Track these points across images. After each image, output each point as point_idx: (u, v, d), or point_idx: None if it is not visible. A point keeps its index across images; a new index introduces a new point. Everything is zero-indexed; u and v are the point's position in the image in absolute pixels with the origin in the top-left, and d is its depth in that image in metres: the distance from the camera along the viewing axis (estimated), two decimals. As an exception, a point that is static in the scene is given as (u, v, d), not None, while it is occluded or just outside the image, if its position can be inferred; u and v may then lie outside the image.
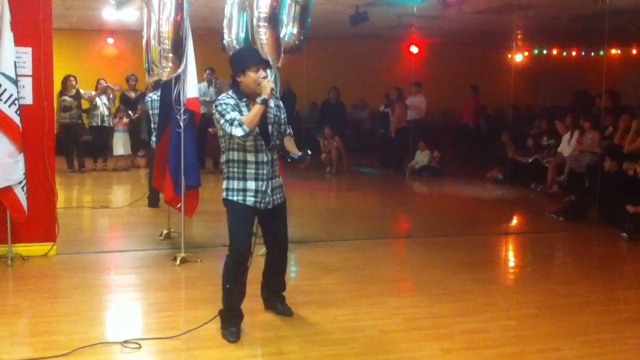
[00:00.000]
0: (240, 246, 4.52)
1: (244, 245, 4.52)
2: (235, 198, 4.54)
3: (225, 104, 4.48)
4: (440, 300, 5.44)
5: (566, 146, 11.20)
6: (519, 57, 16.82)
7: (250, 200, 4.54)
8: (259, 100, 4.40)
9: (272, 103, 4.61)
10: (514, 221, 9.69)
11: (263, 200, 4.58)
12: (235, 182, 4.56)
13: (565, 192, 10.44)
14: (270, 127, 4.59)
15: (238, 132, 4.35)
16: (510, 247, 7.98)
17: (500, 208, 10.69)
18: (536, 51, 17.97)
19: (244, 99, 4.52)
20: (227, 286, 4.54)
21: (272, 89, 4.45)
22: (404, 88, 14.49)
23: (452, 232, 8.26)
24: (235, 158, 4.54)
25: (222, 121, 4.43)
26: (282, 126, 4.78)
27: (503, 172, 12.63)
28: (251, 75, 4.48)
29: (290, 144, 4.81)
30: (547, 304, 5.49)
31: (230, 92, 4.58)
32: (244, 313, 4.67)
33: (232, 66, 4.63)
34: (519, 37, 15.31)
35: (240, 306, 4.64)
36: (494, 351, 4.43)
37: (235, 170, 4.55)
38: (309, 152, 4.71)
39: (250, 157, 4.52)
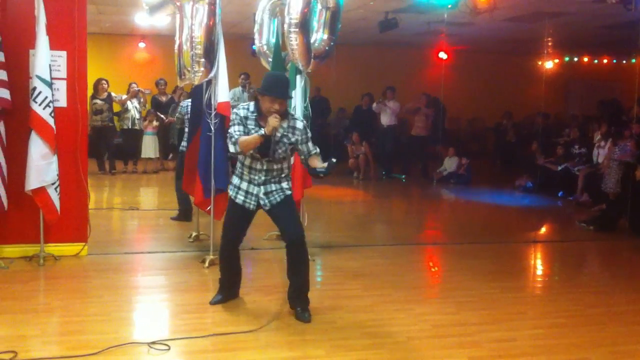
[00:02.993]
0: (227, 235, 5.13)
1: (229, 235, 5.12)
2: (231, 193, 5.05)
3: (236, 114, 4.88)
4: (467, 308, 5.42)
5: (599, 154, 11.08)
6: (549, 65, 16.70)
7: (239, 198, 4.97)
8: (259, 132, 4.70)
9: (285, 124, 4.84)
10: (543, 229, 9.61)
11: (252, 202, 4.94)
12: (236, 179, 5.02)
13: (596, 201, 10.33)
14: (272, 145, 4.81)
15: (230, 148, 4.85)
16: (539, 255, 7.91)
17: (529, 216, 10.62)
18: (567, 59, 17.82)
19: (255, 113, 4.84)
20: (220, 265, 5.33)
21: (274, 128, 4.67)
22: (433, 94, 14.45)
23: (480, 240, 8.22)
24: (240, 159, 4.98)
25: (229, 131, 4.87)
26: (302, 146, 4.91)
27: (532, 180, 12.55)
28: (266, 102, 4.76)
29: (315, 161, 4.90)
30: (576, 313, 5.44)
31: (251, 103, 4.93)
32: (237, 295, 5.37)
33: (262, 82, 4.89)
34: (549, 44, 15.21)
35: (230, 286, 5.32)
36: (521, 360, 4.42)
37: (238, 169, 5.01)
38: (334, 160, 4.78)
39: (247, 162, 4.92)
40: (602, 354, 4.57)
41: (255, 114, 4.85)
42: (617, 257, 7.89)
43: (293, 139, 4.87)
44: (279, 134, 4.81)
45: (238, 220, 5.06)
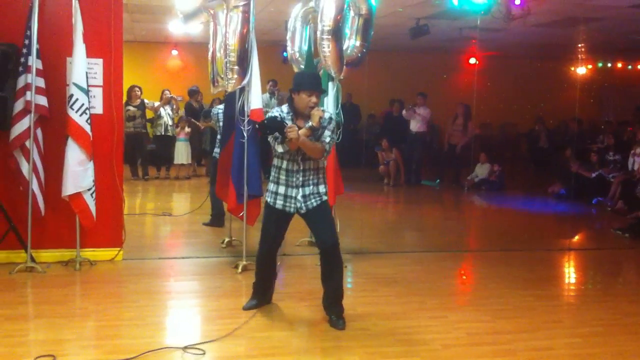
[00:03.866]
0: (264, 242, 5.14)
1: (267, 242, 5.14)
2: (268, 199, 5.04)
3: (277, 116, 4.88)
4: (502, 316, 5.36)
5: (635, 162, 10.92)
6: (582, 71, 16.51)
7: (279, 203, 4.99)
8: (307, 125, 4.75)
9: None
10: (577, 237, 9.48)
11: (292, 205, 4.96)
12: (272, 185, 5.04)
13: (631, 208, 10.18)
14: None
15: (279, 148, 4.83)
16: (573, 263, 7.80)
17: (563, 223, 10.50)
18: (600, 64, 17.59)
19: (291, 113, 4.91)
20: (256, 270, 5.34)
21: (320, 118, 4.77)
22: (465, 101, 14.35)
23: (513, 247, 8.13)
24: (276, 164, 5.01)
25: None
26: (321, 137, 4.87)
27: (565, 187, 12.40)
28: (303, 97, 4.85)
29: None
30: (613, 322, 5.35)
31: (284, 106, 4.98)
32: (270, 301, 5.39)
33: (293, 82, 4.98)
34: (583, 50, 15.04)
35: (264, 291, 5.36)
36: (559, 369, 4.36)
37: (274, 174, 5.02)
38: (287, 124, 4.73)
39: (284, 165, 4.95)
40: (641, 364, 4.50)
41: (290, 114, 4.90)
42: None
43: (322, 132, 4.88)
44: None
45: (277, 225, 5.07)
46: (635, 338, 4.98)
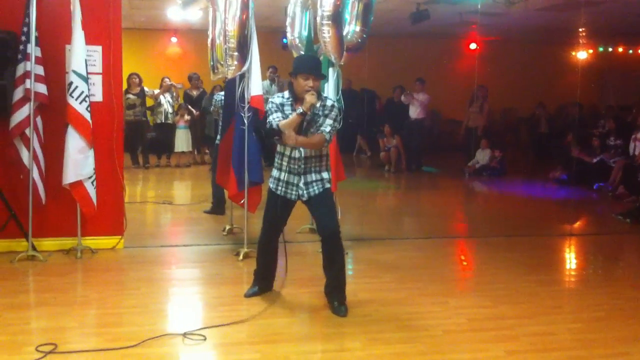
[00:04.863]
0: (267, 227, 5.14)
1: (269, 228, 5.14)
2: (271, 185, 5.07)
3: (272, 102, 4.91)
4: (503, 301, 5.36)
5: (636, 147, 10.89)
6: (582, 55, 16.44)
7: (281, 190, 5.00)
8: (297, 111, 4.72)
9: (318, 104, 4.83)
10: (578, 222, 9.47)
11: (293, 192, 4.97)
12: (275, 171, 5.05)
13: (632, 193, 10.16)
14: (305, 124, 4.83)
15: (271, 126, 4.84)
16: (575, 248, 7.80)
17: (564, 209, 10.48)
18: (601, 49, 17.52)
19: (290, 99, 4.89)
20: (257, 257, 5.34)
21: (312, 104, 4.72)
22: (465, 86, 14.30)
23: (514, 233, 8.13)
24: (278, 150, 5.01)
25: (267, 119, 4.87)
26: (320, 118, 4.86)
27: (566, 172, 12.38)
28: (300, 81, 4.82)
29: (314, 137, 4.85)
30: (615, 307, 5.35)
31: (285, 92, 4.98)
32: (271, 289, 5.39)
33: (292, 66, 4.95)
34: (583, 34, 14.97)
35: (266, 278, 5.35)
36: (560, 354, 4.35)
37: (277, 161, 5.04)
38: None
39: (286, 152, 4.95)
40: (643, 349, 4.50)
41: (290, 100, 4.88)
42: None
43: (322, 119, 4.86)
44: (311, 115, 4.81)
45: (279, 211, 5.06)
46: (635, 323, 4.98)
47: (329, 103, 4.91)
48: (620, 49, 17.90)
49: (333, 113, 4.88)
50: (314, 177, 4.96)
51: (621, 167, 11.04)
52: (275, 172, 5.05)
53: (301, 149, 4.87)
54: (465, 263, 7.15)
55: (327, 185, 5.00)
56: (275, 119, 4.81)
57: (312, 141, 4.80)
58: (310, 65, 4.86)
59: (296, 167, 4.92)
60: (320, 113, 4.86)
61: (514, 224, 8.86)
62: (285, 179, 4.97)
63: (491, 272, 6.35)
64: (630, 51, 18.03)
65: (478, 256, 7.24)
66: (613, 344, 4.56)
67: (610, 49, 17.82)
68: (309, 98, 4.70)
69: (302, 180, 4.94)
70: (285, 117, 4.80)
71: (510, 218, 9.43)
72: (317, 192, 4.95)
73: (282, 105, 4.85)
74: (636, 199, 9.71)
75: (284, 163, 4.96)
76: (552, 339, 4.60)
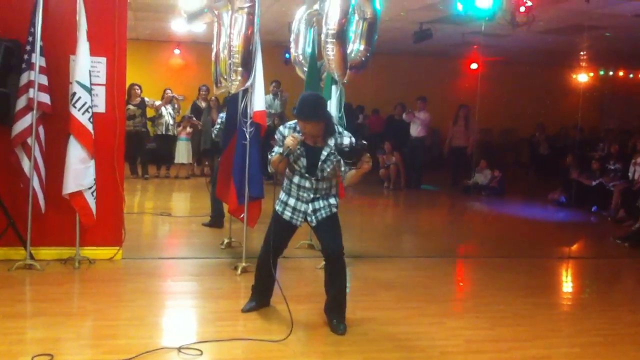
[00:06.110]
0: (268, 247, 5.05)
1: (269, 249, 5.03)
2: (277, 208, 5.05)
3: (280, 133, 4.90)
4: (501, 324, 5.35)
5: (636, 171, 10.92)
6: (583, 78, 16.51)
7: (287, 214, 4.99)
8: (279, 152, 4.79)
9: (332, 143, 4.81)
10: (577, 245, 9.46)
11: (299, 218, 4.97)
12: (283, 194, 5.04)
13: (631, 217, 10.17)
14: (320, 163, 4.80)
15: (268, 167, 5.00)
16: (573, 271, 7.78)
17: (563, 231, 10.48)
18: (602, 72, 17.60)
19: (300, 132, 4.81)
20: (255, 273, 5.35)
21: (288, 148, 4.67)
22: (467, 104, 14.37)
23: (513, 254, 8.12)
24: (288, 175, 4.96)
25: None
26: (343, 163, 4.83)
27: (566, 194, 12.40)
28: (299, 124, 4.80)
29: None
30: (612, 332, 5.34)
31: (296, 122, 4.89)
32: (268, 304, 5.38)
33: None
34: (585, 57, 15.04)
35: (263, 294, 5.35)
36: (557, 378, 4.35)
37: (285, 184, 5.01)
38: (364, 143, 4.72)
39: (295, 180, 4.92)
40: (640, 375, 4.49)
41: (300, 133, 4.81)
42: (654, 275, 7.75)
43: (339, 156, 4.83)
44: (325, 153, 4.79)
45: (282, 234, 5.04)
46: (635, 349, 4.97)
47: (345, 141, 4.81)
48: (621, 73, 17.99)
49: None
50: (322, 203, 4.94)
51: (620, 191, 11.05)
52: (283, 196, 5.03)
53: (313, 180, 4.85)
54: (462, 284, 7.14)
55: (334, 210, 4.99)
56: (272, 152, 4.88)
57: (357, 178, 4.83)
58: (308, 112, 4.72)
59: (305, 195, 4.91)
60: (336, 151, 4.80)
61: (512, 245, 8.85)
62: (292, 205, 4.96)
63: (489, 293, 6.33)
64: (631, 75, 18.11)
65: (476, 277, 7.23)
66: (611, 369, 4.55)
67: (611, 73, 17.90)
68: (287, 142, 4.69)
69: (310, 208, 4.92)
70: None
71: (509, 239, 9.42)
72: (324, 215, 4.94)
73: (293, 131, 4.82)
74: (635, 223, 9.70)
75: (293, 189, 4.95)
76: (550, 363, 4.59)
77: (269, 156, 4.94)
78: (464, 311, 5.89)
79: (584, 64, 15.68)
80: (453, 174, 14.38)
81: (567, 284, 7.31)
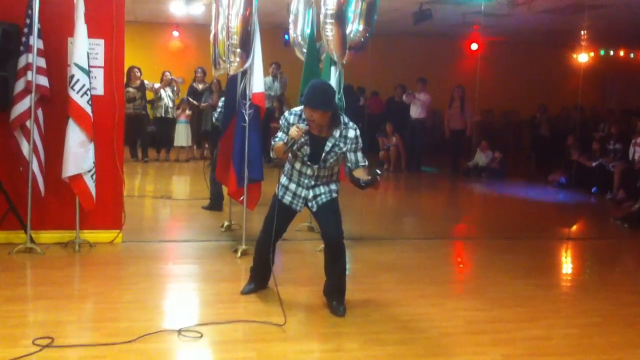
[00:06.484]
0: (268, 230, 5.04)
1: (270, 231, 5.00)
2: (277, 192, 5.05)
3: (285, 119, 4.87)
4: (501, 305, 5.36)
5: (636, 152, 10.89)
6: (584, 58, 16.42)
7: (287, 199, 4.99)
8: (284, 140, 4.77)
9: (337, 134, 4.77)
10: (577, 226, 9.47)
11: (300, 203, 4.97)
12: (284, 178, 5.03)
13: (632, 199, 10.16)
14: (324, 154, 4.78)
15: (271, 153, 5.04)
16: (573, 252, 7.79)
17: (563, 212, 10.49)
18: (602, 52, 17.51)
19: (302, 122, 4.77)
20: (254, 256, 5.33)
21: (292, 139, 4.65)
22: (468, 87, 14.31)
23: (513, 235, 8.13)
24: (290, 160, 4.94)
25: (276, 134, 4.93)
26: (350, 155, 4.80)
27: (566, 175, 12.40)
28: (306, 111, 4.73)
29: (360, 172, 4.81)
30: (612, 312, 5.35)
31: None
32: (267, 286, 5.33)
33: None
34: (586, 37, 14.95)
35: (262, 277, 5.32)
36: (556, 359, 4.36)
37: (287, 169, 5.00)
38: (379, 173, 4.73)
39: (297, 166, 4.91)
40: (638, 355, 4.49)
41: (305, 121, 4.77)
42: (654, 256, 7.76)
43: (344, 148, 4.79)
44: (330, 144, 4.76)
45: (282, 218, 5.03)
46: (633, 329, 4.98)
47: (351, 134, 4.78)
48: (622, 53, 17.90)
49: (359, 145, 4.82)
50: (322, 189, 4.95)
51: (620, 172, 11.03)
52: (284, 180, 5.02)
53: (315, 168, 4.84)
54: (462, 265, 7.15)
55: (335, 195, 4.99)
56: (276, 138, 4.87)
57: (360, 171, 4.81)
58: (316, 100, 4.68)
59: (307, 181, 4.91)
60: (342, 143, 4.78)
61: (513, 227, 8.86)
62: (293, 189, 4.96)
63: (489, 274, 6.35)
64: (632, 55, 18.02)
65: (476, 258, 7.25)
66: (609, 349, 4.56)
67: (612, 53, 17.80)
68: (292, 132, 4.66)
69: (311, 194, 4.92)
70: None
71: (509, 220, 9.43)
72: (324, 200, 4.94)
73: (294, 125, 4.76)
74: (635, 204, 9.70)
75: (294, 174, 4.95)
76: (549, 344, 4.61)
77: (272, 142, 4.92)
78: (464, 292, 5.91)
79: (584, 43, 15.59)
80: (451, 156, 14.34)
81: (567, 265, 7.33)
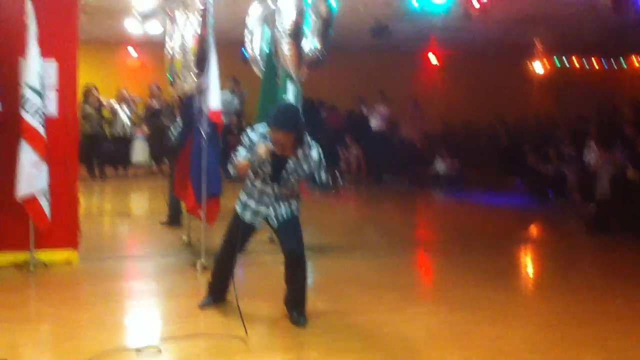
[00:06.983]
0: (228, 247, 5.06)
1: (231, 247, 5.02)
2: (237, 209, 5.03)
3: (248, 138, 4.80)
4: (460, 308, 5.42)
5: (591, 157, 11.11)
6: (539, 69, 16.78)
7: (247, 216, 4.97)
8: (247, 157, 4.70)
9: (299, 154, 4.76)
10: (535, 230, 9.63)
11: (260, 220, 4.97)
12: (245, 196, 5.00)
13: (587, 201, 10.36)
14: (284, 172, 4.78)
15: (230, 170, 4.85)
16: (531, 256, 7.93)
17: (521, 217, 10.65)
18: (557, 62, 17.92)
19: (266, 141, 4.69)
20: (213, 270, 5.32)
21: (259, 156, 4.61)
22: (424, 98, 14.53)
23: (472, 241, 8.23)
24: (251, 177, 4.92)
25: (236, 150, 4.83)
26: (315, 174, 4.81)
27: (523, 181, 12.63)
28: (272, 132, 4.66)
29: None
30: (569, 313, 5.45)
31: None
32: (225, 299, 5.28)
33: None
34: (540, 48, 15.28)
35: (220, 290, 5.28)
36: None
37: (248, 185, 4.97)
38: (339, 174, 4.74)
39: (258, 184, 4.90)
40: (595, 354, 4.59)
41: (269, 140, 4.71)
42: (609, 257, 7.91)
43: (306, 168, 4.79)
44: (292, 164, 4.75)
45: (242, 234, 4.99)
46: (589, 328, 5.07)
47: (314, 155, 4.77)
48: (576, 63, 18.34)
49: (323, 163, 4.82)
50: (283, 207, 4.94)
51: (576, 177, 11.26)
52: (244, 197, 4.99)
53: (275, 187, 4.84)
54: (423, 272, 7.22)
55: (296, 214, 4.99)
56: (237, 155, 4.78)
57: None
58: (282, 121, 4.64)
59: (267, 199, 4.90)
60: (304, 164, 4.77)
61: (472, 233, 8.97)
62: (254, 207, 4.94)
63: (449, 280, 6.42)
64: (586, 64, 18.48)
65: (436, 264, 7.33)
66: (566, 349, 4.63)
67: (566, 63, 18.23)
68: (259, 150, 4.62)
69: (272, 212, 4.92)
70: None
71: (467, 227, 9.54)
72: (285, 217, 4.94)
73: (256, 144, 4.72)
74: (591, 207, 9.89)
75: (255, 193, 4.92)
76: (507, 345, 4.66)
77: (234, 158, 4.81)
78: (424, 298, 5.98)
79: (540, 55, 15.94)
80: (408, 167, 14.49)
81: (525, 268, 7.45)
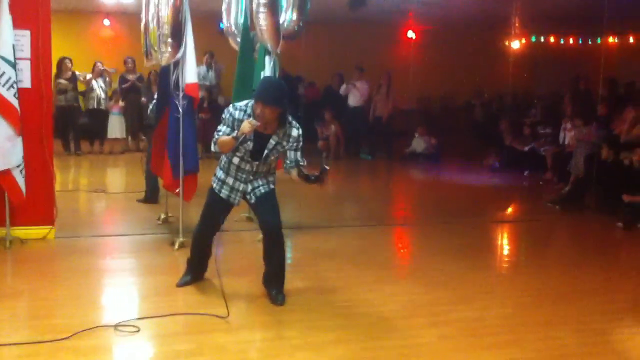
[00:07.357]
0: (205, 224, 5.12)
1: (208, 224, 5.11)
2: (214, 185, 4.99)
3: (230, 114, 4.73)
4: (437, 287, 5.48)
5: (566, 135, 11.22)
6: (516, 44, 16.79)
7: (224, 192, 4.94)
8: (232, 134, 4.64)
9: (280, 132, 4.73)
10: (511, 209, 9.72)
11: (237, 197, 4.96)
12: (221, 172, 4.96)
13: (562, 180, 10.48)
14: (266, 151, 4.75)
15: (212, 147, 4.81)
16: (507, 234, 8.00)
17: (497, 195, 10.73)
18: (533, 38, 17.94)
19: (249, 118, 4.63)
20: (191, 247, 5.30)
21: (243, 133, 4.56)
22: (403, 74, 14.47)
23: (449, 219, 8.28)
24: (228, 155, 4.86)
25: (217, 128, 4.78)
26: (290, 153, 4.80)
27: (499, 159, 12.72)
28: (257, 107, 4.60)
29: (305, 169, 4.81)
30: (544, 291, 5.53)
31: (250, 104, 4.71)
32: (203, 278, 5.34)
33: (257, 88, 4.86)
34: (517, 23, 15.29)
35: (199, 268, 5.32)
36: (492, 339, 4.47)
37: (224, 162, 4.94)
38: (327, 168, 4.71)
39: (236, 160, 4.84)
40: (569, 332, 4.66)
41: (252, 117, 4.65)
42: (583, 236, 8.03)
43: (286, 146, 4.78)
44: (273, 142, 4.73)
45: (219, 211, 5.03)
46: (563, 307, 5.15)
47: (294, 133, 4.75)
48: (552, 39, 18.38)
49: (300, 144, 4.80)
50: (260, 182, 4.92)
51: (551, 156, 11.37)
52: (220, 174, 4.96)
53: (254, 164, 4.80)
54: (400, 250, 7.26)
55: (272, 187, 4.98)
56: (219, 132, 4.72)
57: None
58: (269, 96, 4.57)
59: (244, 176, 4.89)
60: (284, 142, 4.76)
61: (448, 211, 9.02)
62: (231, 183, 4.91)
63: (425, 258, 6.47)
64: (562, 40, 18.52)
65: (414, 243, 7.37)
66: (541, 327, 4.70)
67: (542, 39, 18.26)
68: (244, 126, 4.55)
69: (250, 187, 4.90)
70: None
71: (445, 204, 9.59)
72: (262, 192, 4.92)
73: (240, 120, 4.64)
74: (565, 186, 10.00)
75: (232, 169, 4.89)
76: (483, 324, 4.73)
77: (215, 135, 4.76)
78: (401, 277, 6.01)
79: (516, 30, 15.94)
80: (383, 144, 14.43)
81: (501, 247, 7.52)
